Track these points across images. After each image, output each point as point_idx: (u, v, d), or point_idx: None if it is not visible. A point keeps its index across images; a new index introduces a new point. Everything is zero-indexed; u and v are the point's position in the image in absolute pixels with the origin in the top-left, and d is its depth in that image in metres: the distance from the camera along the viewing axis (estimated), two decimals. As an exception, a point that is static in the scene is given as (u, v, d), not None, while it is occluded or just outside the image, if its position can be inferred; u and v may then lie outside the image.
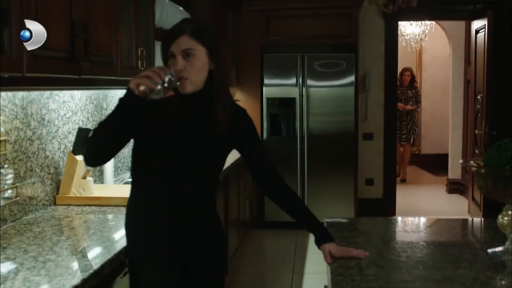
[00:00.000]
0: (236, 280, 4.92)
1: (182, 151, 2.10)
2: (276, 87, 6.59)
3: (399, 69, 8.65)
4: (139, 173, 2.16)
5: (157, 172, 2.11)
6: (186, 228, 2.13)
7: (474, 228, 2.57)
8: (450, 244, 2.18)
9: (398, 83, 8.56)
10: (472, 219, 2.71)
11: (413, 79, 9.48)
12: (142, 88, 1.88)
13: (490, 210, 6.27)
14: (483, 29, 6.53)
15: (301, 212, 2.23)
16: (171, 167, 2.09)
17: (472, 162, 2.14)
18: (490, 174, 2.00)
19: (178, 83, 1.99)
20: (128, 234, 2.18)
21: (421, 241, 2.25)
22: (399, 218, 2.82)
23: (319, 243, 2.11)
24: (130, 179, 2.22)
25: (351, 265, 1.93)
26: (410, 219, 2.87)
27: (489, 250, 2.06)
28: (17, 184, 2.48)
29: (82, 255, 2.14)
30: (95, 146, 2.04)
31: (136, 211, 2.17)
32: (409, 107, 9.26)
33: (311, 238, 2.16)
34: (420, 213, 7.43)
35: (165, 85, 1.90)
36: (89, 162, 2.12)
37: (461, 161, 2.21)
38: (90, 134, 2.07)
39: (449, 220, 2.57)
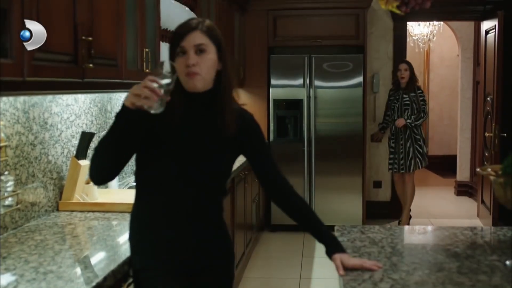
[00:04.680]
0: (242, 285, 4.85)
1: (182, 156, 2.03)
2: (283, 88, 6.52)
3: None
4: (141, 179, 2.09)
5: (157, 177, 2.04)
6: (186, 234, 2.05)
7: (490, 237, 2.49)
8: (466, 256, 2.09)
9: (392, 85, 6.77)
10: (482, 228, 2.63)
11: (412, 77, 6.53)
12: (139, 103, 1.81)
13: (500, 213, 6.18)
14: (493, 30, 6.45)
15: (310, 220, 2.14)
16: (171, 172, 2.02)
17: (489, 170, 2.06)
18: (509, 183, 1.92)
19: (172, 87, 1.87)
20: (131, 244, 2.11)
21: (436, 252, 2.17)
22: (412, 226, 2.74)
23: (330, 253, 2.02)
24: (135, 184, 2.16)
25: (364, 278, 1.85)
26: (422, 227, 2.79)
27: (507, 262, 1.98)
28: (18, 192, 2.41)
29: (84, 265, 2.07)
30: (99, 164, 1.99)
31: (138, 219, 2.10)
32: (401, 121, 6.39)
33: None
34: (429, 216, 7.35)
35: (163, 99, 1.83)
36: (96, 180, 2.09)
37: (478, 169, 2.13)
38: (92, 152, 2.00)
39: (464, 229, 2.49)
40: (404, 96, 6.47)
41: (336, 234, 2.41)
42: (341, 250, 2.02)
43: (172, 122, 2.00)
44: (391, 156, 6.61)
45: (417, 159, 6.49)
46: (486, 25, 6.78)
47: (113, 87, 2.76)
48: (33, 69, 1.91)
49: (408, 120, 6.38)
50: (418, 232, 2.64)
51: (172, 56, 2.01)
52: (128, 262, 2.08)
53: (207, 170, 2.07)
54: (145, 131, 1.98)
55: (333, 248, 2.03)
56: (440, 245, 2.27)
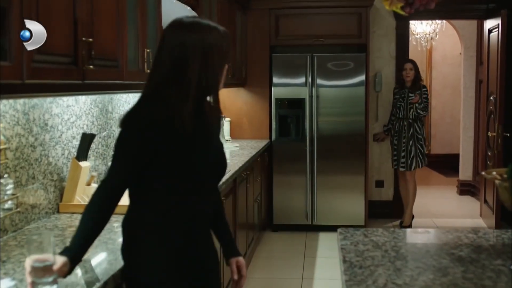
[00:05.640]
0: (244, 286, 4.82)
1: (196, 164, 1.96)
2: (285, 87, 6.49)
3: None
4: (153, 191, 1.95)
5: (171, 188, 1.94)
6: (195, 241, 2.03)
7: (494, 240, 2.45)
8: (471, 260, 2.07)
9: (396, 84, 6.79)
10: (486, 231, 2.59)
11: (418, 76, 6.57)
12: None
13: (503, 213, 6.16)
14: (496, 29, 6.41)
15: (225, 228, 2.28)
16: (187, 182, 1.95)
17: (494, 173, 2.03)
18: (515, 187, 1.89)
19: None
20: (135, 255, 1.97)
21: (440, 256, 2.14)
22: (415, 229, 2.71)
23: (228, 256, 2.24)
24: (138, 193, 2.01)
25: (368, 284, 1.83)
26: (426, 230, 2.77)
27: (512, 267, 1.97)
28: (18, 195, 2.39)
29: (84, 270, 2.04)
30: None
31: (150, 229, 1.96)
32: (416, 97, 6.40)
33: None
34: (431, 215, 7.32)
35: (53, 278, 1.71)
36: None
37: (483, 172, 2.10)
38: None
39: (468, 232, 2.46)
40: (410, 95, 6.48)
41: (339, 237, 2.40)
42: (239, 254, 2.26)
43: (184, 132, 1.90)
44: (395, 153, 6.64)
45: (418, 158, 6.52)
46: (489, 24, 6.75)
47: (114, 88, 2.73)
48: (33, 71, 1.88)
49: (417, 104, 6.41)
50: (421, 235, 2.61)
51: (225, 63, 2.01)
52: (121, 273, 2.01)
53: (216, 175, 2.07)
54: (154, 152, 1.89)
55: (231, 252, 2.24)
56: (444, 249, 2.25)
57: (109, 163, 1.95)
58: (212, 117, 2.06)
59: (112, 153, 1.95)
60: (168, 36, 1.97)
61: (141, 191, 1.96)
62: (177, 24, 1.98)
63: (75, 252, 1.80)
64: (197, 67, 1.90)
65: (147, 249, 1.95)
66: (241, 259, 2.25)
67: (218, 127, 2.13)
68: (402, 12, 2.20)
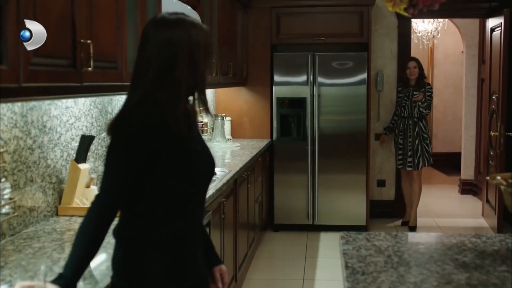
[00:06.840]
0: (245, 287, 4.80)
1: (197, 168, 1.93)
2: (286, 86, 6.46)
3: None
4: (156, 200, 1.86)
5: (175, 194, 1.88)
6: (199, 253, 2.01)
7: (498, 245, 2.42)
8: (475, 266, 2.04)
9: (399, 82, 6.79)
10: (489, 235, 2.56)
11: (422, 74, 6.54)
12: None
13: (505, 213, 6.12)
14: (499, 28, 6.37)
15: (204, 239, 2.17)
16: (197, 185, 1.93)
17: (499, 178, 2.00)
18: (520, 192, 1.86)
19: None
20: (139, 266, 1.87)
21: (444, 262, 2.11)
22: (418, 233, 2.68)
23: (212, 265, 2.15)
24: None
25: (370, 291, 1.80)
26: (430, 234, 2.74)
27: (517, 273, 1.93)
28: (15, 199, 2.35)
29: (83, 276, 2.00)
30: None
31: (156, 237, 1.87)
32: (420, 95, 6.38)
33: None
34: (433, 215, 7.29)
35: None
36: None
37: (488, 177, 2.07)
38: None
39: (472, 236, 2.44)
40: (415, 93, 6.44)
41: (341, 241, 2.36)
42: (221, 262, 2.20)
43: (180, 134, 1.85)
44: (400, 152, 6.59)
45: (425, 157, 6.48)
46: (491, 22, 6.71)
47: (114, 90, 2.68)
48: (30, 74, 1.85)
49: (419, 103, 6.37)
50: (424, 240, 2.58)
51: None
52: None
53: (209, 174, 2.04)
54: (151, 153, 1.81)
55: (213, 260, 2.16)
56: (448, 254, 2.21)
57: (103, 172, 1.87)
58: (194, 116, 2.00)
59: (104, 163, 1.81)
60: (152, 34, 1.88)
61: (139, 195, 1.86)
62: (161, 21, 1.90)
63: (69, 280, 1.70)
64: (185, 65, 1.84)
65: (146, 254, 1.86)
66: (223, 267, 2.17)
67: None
68: (405, 14, 2.17)
